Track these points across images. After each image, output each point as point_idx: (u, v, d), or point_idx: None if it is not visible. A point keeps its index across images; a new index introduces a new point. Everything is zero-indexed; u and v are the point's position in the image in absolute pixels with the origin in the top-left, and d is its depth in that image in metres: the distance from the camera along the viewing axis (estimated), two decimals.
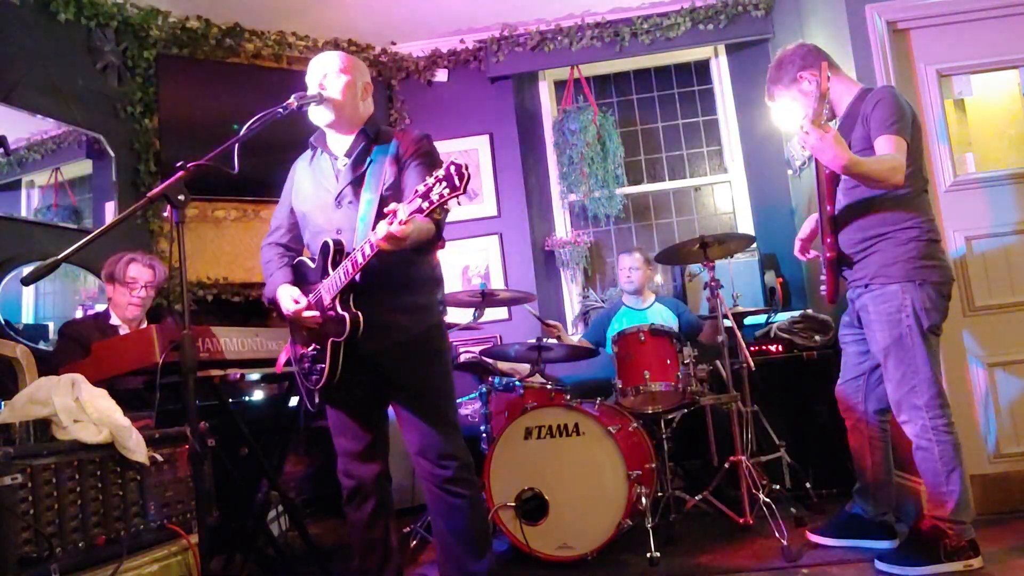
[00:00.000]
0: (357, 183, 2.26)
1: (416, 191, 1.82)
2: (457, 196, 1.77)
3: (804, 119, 2.51)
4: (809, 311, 4.06)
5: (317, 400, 2.33)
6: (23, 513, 1.65)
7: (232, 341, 2.56)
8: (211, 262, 4.60)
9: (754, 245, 4.42)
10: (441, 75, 5.23)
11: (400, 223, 1.84)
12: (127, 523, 1.91)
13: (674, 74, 5.40)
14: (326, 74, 2.26)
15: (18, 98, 3.73)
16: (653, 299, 4.28)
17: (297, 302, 2.22)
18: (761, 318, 4.19)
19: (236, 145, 2.07)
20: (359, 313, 2.13)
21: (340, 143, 2.35)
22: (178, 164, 1.95)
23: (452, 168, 1.77)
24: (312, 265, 2.31)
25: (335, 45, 5.00)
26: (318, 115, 2.27)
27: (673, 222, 5.30)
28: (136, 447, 1.90)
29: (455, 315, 4.30)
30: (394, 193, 2.17)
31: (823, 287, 2.81)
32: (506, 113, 5.17)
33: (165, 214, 4.28)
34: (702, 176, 5.31)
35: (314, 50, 4.95)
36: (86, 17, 4.11)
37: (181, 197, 1.91)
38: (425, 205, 1.80)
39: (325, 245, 2.20)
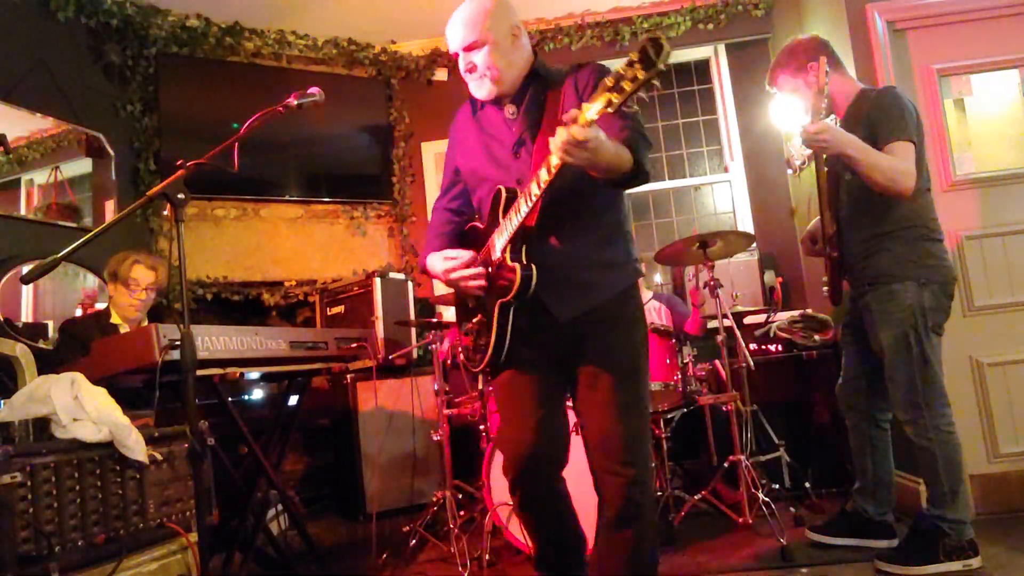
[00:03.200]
0: (534, 128, 1.95)
1: (604, 84, 1.48)
2: (655, 77, 1.42)
3: (804, 124, 2.51)
4: (809, 310, 4.05)
5: (481, 387, 2.13)
6: (22, 512, 1.64)
7: (232, 340, 2.56)
8: (211, 261, 4.60)
9: (754, 244, 4.42)
10: (441, 74, 5.23)
11: (584, 125, 1.52)
12: (126, 522, 1.91)
13: (674, 73, 5.40)
14: (464, 59, 1.96)
15: (18, 96, 3.73)
16: (649, 296, 4.28)
17: (451, 260, 1.95)
18: (761, 317, 4.19)
19: (236, 144, 2.06)
20: (532, 265, 1.82)
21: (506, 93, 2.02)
22: (178, 163, 1.95)
23: (648, 43, 1.42)
24: (482, 228, 2.02)
25: (335, 44, 4.99)
26: (480, 91, 1.99)
27: (673, 221, 5.30)
28: (135, 446, 1.90)
29: (454, 314, 4.31)
30: None
31: (825, 287, 2.81)
32: None
33: (165, 213, 4.28)
34: (702, 175, 5.30)
35: (314, 49, 4.96)
36: (86, 16, 4.11)
37: (181, 196, 1.91)
38: (616, 98, 1.46)
39: (497, 193, 1.90)
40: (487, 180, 2.01)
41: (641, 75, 1.42)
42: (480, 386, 3.50)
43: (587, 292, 1.92)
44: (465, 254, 1.95)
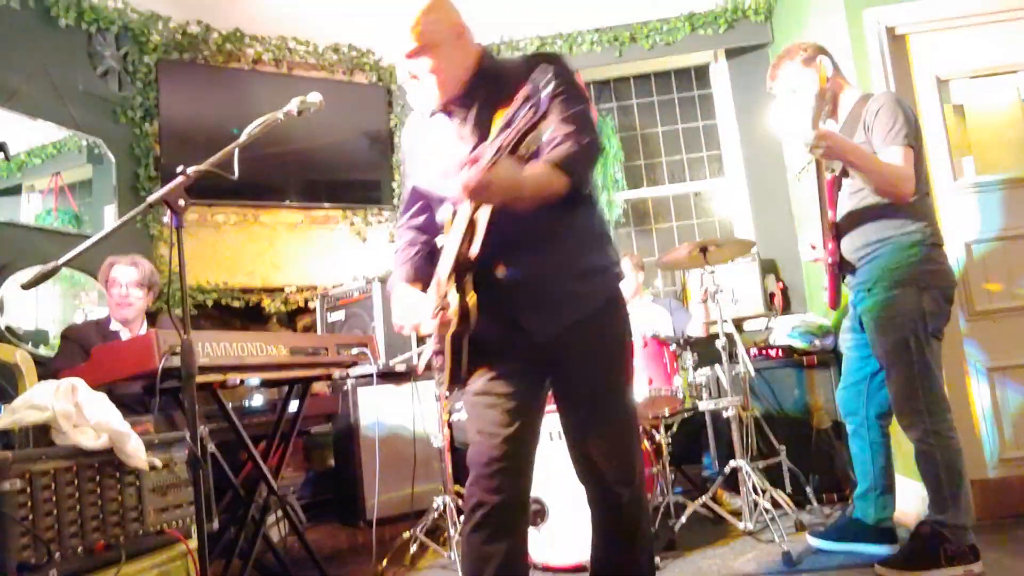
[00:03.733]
0: (483, 136, 1.69)
1: (499, 121, 1.40)
2: (540, 121, 1.34)
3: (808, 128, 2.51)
4: (809, 315, 4.05)
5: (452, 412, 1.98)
6: (22, 518, 1.64)
7: (232, 346, 2.56)
8: (211, 266, 4.60)
9: (754, 250, 4.42)
10: None
11: (482, 169, 1.42)
12: (126, 528, 1.91)
13: (674, 79, 5.41)
14: (405, 67, 1.78)
15: (19, 103, 3.73)
16: (649, 301, 4.28)
17: (402, 317, 1.83)
18: (761, 322, 4.19)
19: (236, 150, 2.06)
20: (473, 294, 1.65)
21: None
22: (178, 169, 1.95)
23: (540, 77, 1.33)
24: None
25: (336, 50, 5.00)
26: (424, 99, 1.83)
27: (673, 227, 5.31)
28: (135, 452, 1.90)
29: None
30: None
31: (825, 292, 2.81)
32: None
33: (165, 219, 4.28)
34: (702, 181, 5.31)
35: (314, 55, 4.97)
36: (86, 22, 4.12)
37: (181, 202, 1.90)
38: (510, 137, 1.38)
39: (454, 213, 1.71)
40: (443, 198, 1.86)
41: (531, 116, 1.34)
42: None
43: (567, 306, 1.77)
44: (419, 302, 1.82)
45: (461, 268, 1.67)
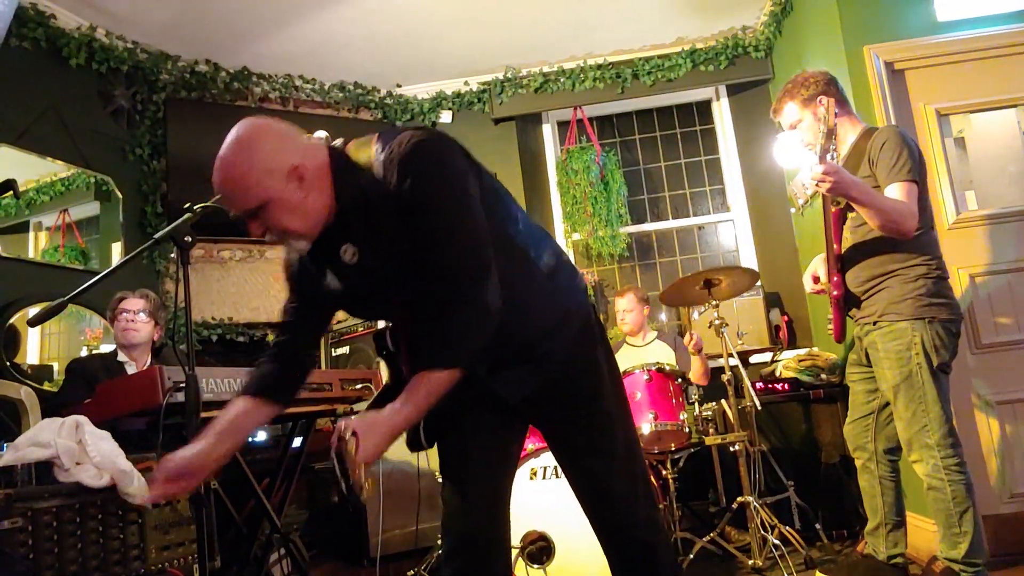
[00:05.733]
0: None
1: None
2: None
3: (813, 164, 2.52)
4: (815, 349, 4.04)
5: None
6: (23, 556, 1.63)
7: (236, 381, 2.55)
8: (216, 302, 4.62)
9: (758, 283, 4.42)
10: (445, 117, 5.30)
11: None
12: (127, 567, 1.89)
13: (676, 114, 5.47)
14: (253, 225, 1.51)
15: (28, 141, 3.78)
16: (654, 336, 4.26)
17: None
18: (766, 356, 4.17)
19: None
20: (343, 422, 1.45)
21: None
22: (185, 206, 1.97)
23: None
24: None
25: (341, 88, 5.07)
26: (296, 248, 1.62)
27: (677, 261, 5.31)
28: (138, 491, 1.89)
29: None
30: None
31: (830, 326, 2.80)
32: (510, 154, 5.22)
33: (171, 255, 4.31)
34: (705, 215, 5.33)
35: (320, 93, 5.04)
36: (97, 62, 4.19)
37: (188, 238, 1.92)
38: None
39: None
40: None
41: None
42: None
43: (532, 365, 1.65)
44: None
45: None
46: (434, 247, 1.46)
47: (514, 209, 1.72)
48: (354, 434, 1.39)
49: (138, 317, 3.23)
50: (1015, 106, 3.57)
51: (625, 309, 4.13)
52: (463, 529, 1.72)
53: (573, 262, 1.82)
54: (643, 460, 1.76)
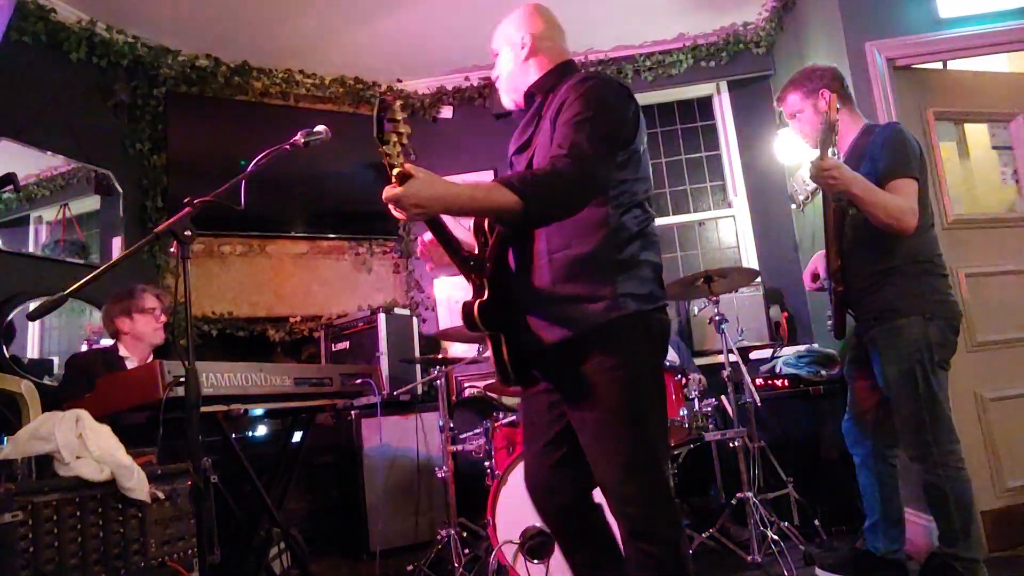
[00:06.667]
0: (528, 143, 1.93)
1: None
2: (379, 135, 1.45)
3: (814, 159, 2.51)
4: (815, 345, 4.04)
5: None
6: (23, 550, 1.63)
7: (236, 376, 2.55)
8: (216, 297, 4.62)
9: (759, 279, 4.42)
10: (446, 112, 5.29)
11: (394, 186, 1.48)
12: (127, 561, 1.89)
13: (677, 110, 5.45)
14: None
15: (29, 135, 3.78)
16: None
17: None
18: (766, 352, 4.17)
19: (243, 181, 2.08)
20: (485, 291, 1.74)
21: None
22: (185, 200, 1.97)
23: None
24: None
25: (341, 83, 5.07)
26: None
27: (677, 257, 5.31)
28: (138, 485, 1.89)
29: (459, 350, 4.30)
30: None
31: (830, 322, 2.80)
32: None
33: (172, 249, 4.31)
34: (706, 211, 5.33)
35: (321, 88, 5.03)
36: (97, 56, 4.18)
37: (188, 233, 1.92)
38: (386, 160, 1.49)
39: None
40: None
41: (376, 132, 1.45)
42: (486, 423, 3.47)
43: (543, 328, 1.76)
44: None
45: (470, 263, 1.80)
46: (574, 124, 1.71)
47: (647, 187, 1.90)
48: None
49: (161, 317, 3.25)
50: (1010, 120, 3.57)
51: None
52: (537, 484, 1.92)
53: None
54: (659, 480, 1.73)
